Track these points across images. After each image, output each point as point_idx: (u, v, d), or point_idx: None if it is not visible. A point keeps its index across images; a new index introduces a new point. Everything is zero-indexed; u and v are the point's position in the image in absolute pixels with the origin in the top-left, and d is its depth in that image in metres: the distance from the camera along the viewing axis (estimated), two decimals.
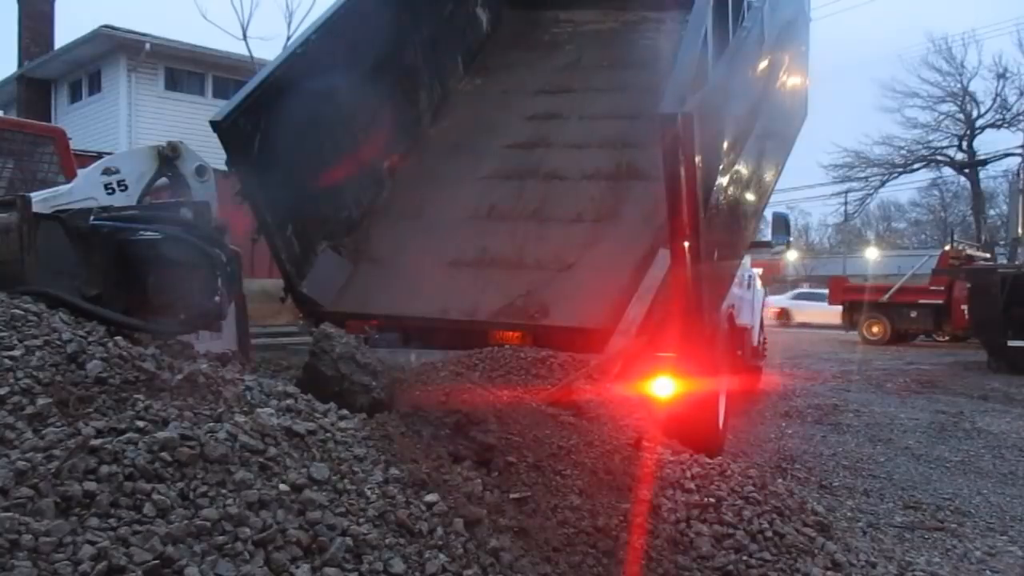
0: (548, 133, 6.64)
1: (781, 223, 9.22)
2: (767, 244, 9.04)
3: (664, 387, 4.71)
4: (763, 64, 5.89)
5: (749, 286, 8.69)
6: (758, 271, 10.12)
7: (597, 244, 5.35)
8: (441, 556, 2.23)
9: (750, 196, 6.05)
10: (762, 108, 6.06)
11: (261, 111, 5.05)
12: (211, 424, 2.31)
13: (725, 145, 4.95)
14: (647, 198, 5.59)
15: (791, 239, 10.13)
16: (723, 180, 4.94)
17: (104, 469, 1.99)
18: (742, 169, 5.58)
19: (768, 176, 6.80)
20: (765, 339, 11.41)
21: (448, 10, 7.13)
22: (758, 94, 5.91)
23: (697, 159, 4.06)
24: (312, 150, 5.58)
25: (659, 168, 4.71)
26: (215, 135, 4.80)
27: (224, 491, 2.08)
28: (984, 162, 32.93)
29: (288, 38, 17.98)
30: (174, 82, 18.97)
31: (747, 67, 5.42)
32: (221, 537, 1.94)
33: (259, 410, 2.51)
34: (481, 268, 5.65)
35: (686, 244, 4.28)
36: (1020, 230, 18.38)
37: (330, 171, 5.74)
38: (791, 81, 7.17)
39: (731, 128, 5.06)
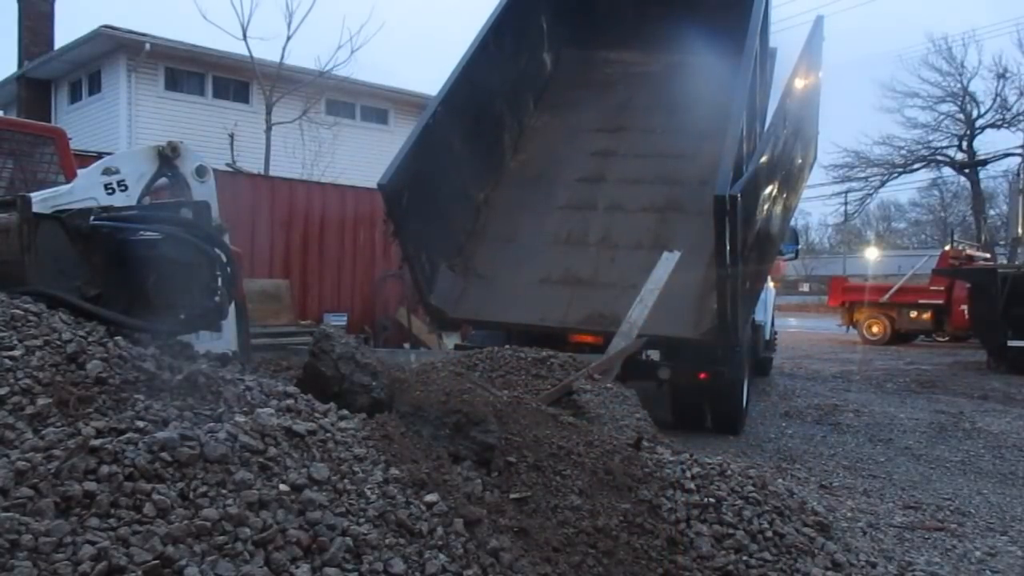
0: (608, 169, 8.02)
1: (791, 234, 10.33)
2: (779, 252, 9.87)
3: (706, 375, 6.43)
4: (789, 140, 7.26)
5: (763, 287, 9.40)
6: None
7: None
8: (441, 556, 2.23)
9: (776, 229, 7.49)
10: (790, 167, 7.56)
11: (406, 170, 6.36)
12: (211, 424, 2.31)
13: (762, 209, 6.38)
14: (690, 230, 6.96)
15: (799, 247, 11.76)
16: (758, 227, 6.33)
17: (104, 469, 1.98)
18: (774, 210, 6.99)
19: (791, 206, 8.39)
20: (776, 333, 12.53)
21: (524, 60, 8.54)
22: (786, 161, 7.33)
23: (739, 223, 5.39)
24: (435, 191, 6.92)
25: (698, 204, 6.89)
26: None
27: (224, 491, 2.07)
28: (984, 162, 32.91)
29: (288, 38, 18.01)
30: (174, 82, 18.94)
31: (776, 152, 6.70)
32: (221, 537, 1.94)
33: (259, 410, 2.51)
34: (566, 285, 7.01)
35: (728, 280, 5.66)
36: (1020, 230, 18.35)
37: (446, 206, 7.17)
38: (809, 134, 8.94)
39: (765, 194, 6.46)
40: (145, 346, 2.76)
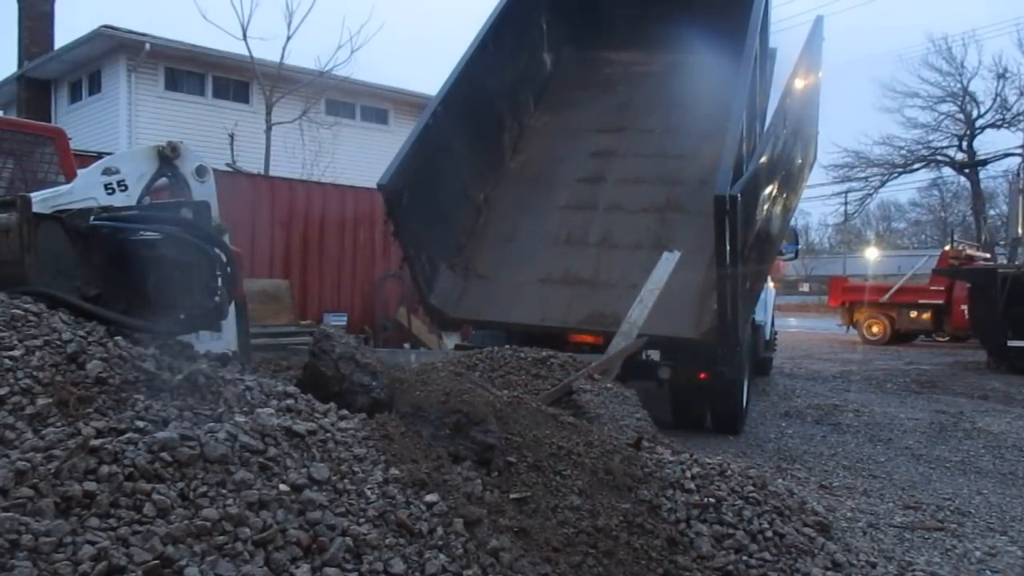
0: (608, 169, 8.02)
1: (791, 233, 10.36)
2: (779, 252, 9.90)
3: (706, 375, 6.47)
4: (789, 140, 7.30)
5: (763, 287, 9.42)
6: None
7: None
8: (441, 556, 2.23)
9: (776, 229, 7.54)
10: (789, 167, 7.60)
11: (406, 170, 6.38)
12: (211, 424, 2.30)
13: (762, 209, 6.42)
14: (690, 230, 6.98)
15: (799, 247, 11.94)
16: (758, 227, 6.37)
17: (104, 469, 1.98)
18: (774, 210, 7.03)
19: (791, 206, 8.44)
20: (776, 333, 12.69)
21: (525, 60, 8.55)
22: (786, 161, 7.38)
23: (739, 223, 5.42)
24: (435, 191, 6.94)
25: (698, 204, 6.82)
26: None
27: (224, 491, 2.07)
28: (984, 162, 32.87)
29: (288, 39, 18.00)
30: (174, 82, 18.92)
31: (776, 151, 6.75)
32: (221, 537, 1.94)
33: (259, 410, 2.51)
34: (566, 285, 7.03)
35: (728, 280, 5.70)
36: (1020, 230, 18.34)
37: (446, 206, 7.18)
38: (809, 134, 8.97)
39: (765, 194, 6.48)
40: (145, 346, 2.76)
